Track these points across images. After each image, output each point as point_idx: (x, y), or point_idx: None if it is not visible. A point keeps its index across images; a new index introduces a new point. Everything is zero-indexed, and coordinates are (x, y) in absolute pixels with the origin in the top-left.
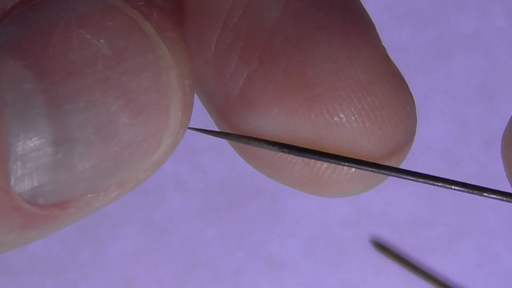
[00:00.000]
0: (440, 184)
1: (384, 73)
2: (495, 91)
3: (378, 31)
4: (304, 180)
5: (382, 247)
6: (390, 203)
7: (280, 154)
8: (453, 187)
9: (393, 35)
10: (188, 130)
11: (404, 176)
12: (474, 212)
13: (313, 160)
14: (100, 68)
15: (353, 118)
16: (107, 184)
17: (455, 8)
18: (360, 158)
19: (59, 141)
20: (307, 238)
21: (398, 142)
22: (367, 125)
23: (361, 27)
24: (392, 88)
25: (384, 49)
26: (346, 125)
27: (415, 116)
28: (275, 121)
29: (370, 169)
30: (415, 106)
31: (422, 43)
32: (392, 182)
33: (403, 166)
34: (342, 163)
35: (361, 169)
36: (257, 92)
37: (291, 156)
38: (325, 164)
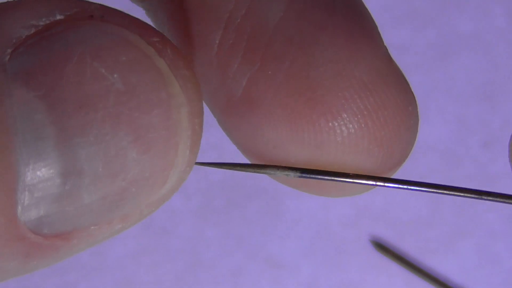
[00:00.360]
0: (433, 190)
1: (386, 74)
2: (495, 91)
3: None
4: (305, 182)
5: (382, 247)
6: (390, 203)
7: (282, 155)
8: (453, 192)
9: (393, 35)
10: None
11: (415, 188)
12: (474, 212)
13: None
14: (112, 103)
15: (356, 118)
16: (111, 217)
17: (455, 8)
18: (369, 169)
19: (67, 172)
20: (307, 238)
21: (400, 142)
22: (369, 125)
23: (364, 27)
24: (394, 89)
25: (386, 50)
26: (349, 125)
27: (417, 116)
28: (277, 122)
29: (393, 185)
30: (417, 106)
31: (422, 43)
32: None
33: (403, 166)
34: (356, 181)
35: (386, 187)
36: (260, 92)
37: (292, 158)
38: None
